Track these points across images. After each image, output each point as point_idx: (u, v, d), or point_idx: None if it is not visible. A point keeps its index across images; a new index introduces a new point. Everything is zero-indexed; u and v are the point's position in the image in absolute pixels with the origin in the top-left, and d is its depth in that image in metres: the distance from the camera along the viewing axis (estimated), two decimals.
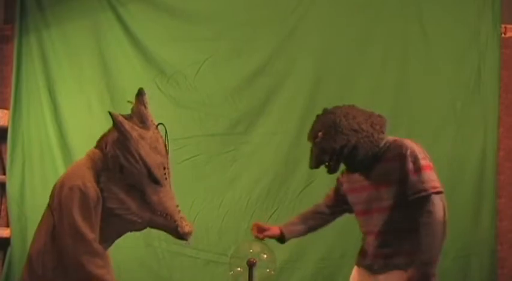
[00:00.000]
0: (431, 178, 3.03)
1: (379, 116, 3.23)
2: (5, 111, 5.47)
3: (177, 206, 2.89)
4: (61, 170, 5.34)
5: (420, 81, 5.22)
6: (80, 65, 5.51)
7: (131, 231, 2.87)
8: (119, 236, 2.86)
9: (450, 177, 5.16)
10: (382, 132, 3.17)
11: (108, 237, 2.80)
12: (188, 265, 5.21)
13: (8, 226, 5.44)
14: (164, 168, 2.78)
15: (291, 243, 4.91)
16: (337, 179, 3.49)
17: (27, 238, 5.35)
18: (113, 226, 2.74)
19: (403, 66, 5.24)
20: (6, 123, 5.45)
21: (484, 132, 5.16)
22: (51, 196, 2.79)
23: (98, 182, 2.69)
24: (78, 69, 5.51)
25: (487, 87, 5.17)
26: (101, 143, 2.82)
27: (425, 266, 2.99)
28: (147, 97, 2.87)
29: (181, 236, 2.87)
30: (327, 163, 3.18)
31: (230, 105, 5.34)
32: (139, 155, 2.67)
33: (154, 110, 5.28)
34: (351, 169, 3.25)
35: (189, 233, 2.89)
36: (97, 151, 2.80)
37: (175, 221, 2.83)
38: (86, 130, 5.39)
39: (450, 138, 5.17)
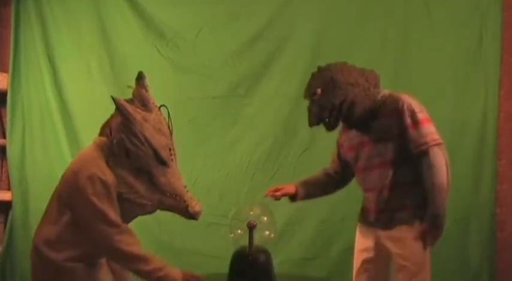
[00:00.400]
0: (430, 131, 3.05)
1: (372, 71, 3.23)
2: (4, 74, 5.46)
3: (185, 186, 2.88)
4: (61, 135, 5.35)
5: (421, 44, 5.19)
6: (79, 30, 5.48)
7: (142, 214, 2.86)
8: (130, 220, 2.86)
9: (451, 140, 5.14)
10: (377, 86, 3.17)
11: None
12: (189, 228, 5.23)
13: (9, 189, 5.46)
14: (170, 149, 2.77)
15: (291, 206, 4.95)
16: (337, 142, 3.48)
17: (28, 201, 5.38)
18: (123, 211, 2.73)
19: (404, 29, 5.20)
20: (5, 87, 5.43)
21: (485, 95, 5.15)
22: (62, 185, 2.76)
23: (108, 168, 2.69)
24: (77, 34, 5.48)
25: (489, 49, 5.13)
26: (105, 130, 2.82)
27: (436, 219, 3.05)
28: (147, 80, 2.85)
29: (192, 215, 2.87)
30: (326, 120, 3.18)
31: (230, 68, 5.31)
32: (145, 137, 2.66)
33: (154, 74, 5.33)
34: (349, 125, 3.25)
35: (199, 212, 2.88)
36: (103, 138, 2.79)
37: (185, 202, 2.82)
38: (86, 95, 5.39)
39: (451, 101, 5.16)
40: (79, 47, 5.44)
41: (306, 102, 5.20)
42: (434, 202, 3.03)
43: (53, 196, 2.81)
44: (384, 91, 3.18)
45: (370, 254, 3.35)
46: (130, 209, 2.74)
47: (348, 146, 3.34)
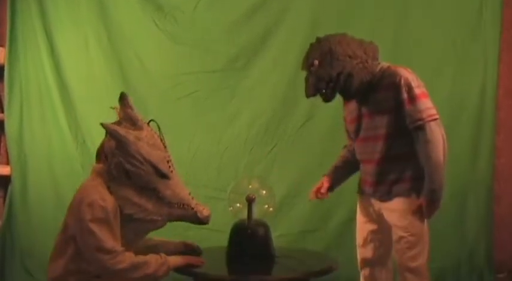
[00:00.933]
0: (427, 106, 3.05)
1: (371, 43, 3.22)
2: (1, 49, 5.42)
3: (189, 193, 2.90)
4: (59, 109, 5.34)
5: (421, 18, 5.17)
6: (76, 4, 5.42)
7: (154, 229, 2.89)
8: (143, 236, 2.91)
9: (450, 114, 5.16)
10: (376, 58, 3.17)
11: (131, 240, 2.83)
12: None
13: (8, 163, 5.46)
14: (168, 161, 2.80)
15: (289, 179, 4.98)
16: (344, 119, 3.47)
17: (27, 175, 5.38)
18: (135, 230, 2.78)
19: (404, 3, 5.18)
20: (2, 61, 5.41)
21: (484, 70, 5.15)
22: (66, 217, 2.78)
23: (110, 193, 2.70)
24: (75, 8, 5.42)
25: (488, 24, 5.12)
26: (100, 156, 2.81)
27: (433, 193, 3.07)
28: (131, 99, 2.87)
29: (202, 221, 2.90)
30: (323, 91, 3.17)
31: (228, 41, 5.29)
32: (142, 155, 2.68)
33: (152, 47, 5.32)
34: (346, 97, 3.25)
35: (208, 216, 2.91)
36: (100, 164, 2.79)
37: (193, 209, 2.85)
38: (84, 69, 5.37)
39: (450, 76, 5.16)
40: (76, 21, 5.40)
41: (304, 75, 5.23)
42: (430, 176, 3.04)
43: (60, 230, 2.82)
44: (383, 64, 3.18)
45: (374, 226, 3.39)
46: (141, 227, 2.79)
47: (350, 119, 3.36)
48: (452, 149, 5.10)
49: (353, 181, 3.54)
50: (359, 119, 3.25)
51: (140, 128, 2.78)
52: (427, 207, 3.10)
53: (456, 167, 5.15)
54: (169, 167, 2.79)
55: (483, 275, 5.17)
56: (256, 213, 3.24)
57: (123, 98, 2.87)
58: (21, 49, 5.39)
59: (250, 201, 3.20)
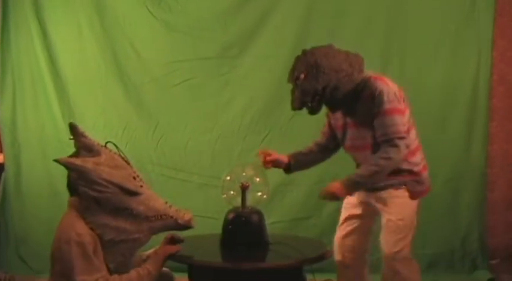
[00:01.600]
0: (395, 122, 3.06)
1: (356, 55, 3.21)
2: None
3: (166, 202, 2.91)
4: (52, 96, 5.32)
5: (415, 4, 5.16)
6: None
7: (140, 247, 2.89)
8: (133, 254, 2.91)
9: (443, 100, 5.18)
10: (362, 70, 3.16)
11: (122, 262, 2.84)
12: (181, 189, 5.26)
13: (1, 151, 5.45)
14: (134, 178, 2.79)
15: None
16: (326, 115, 3.50)
17: (20, 163, 5.37)
18: (121, 252, 2.79)
19: None
20: None
21: (477, 55, 5.15)
22: (50, 258, 2.79)
23: (86, 223, 2.71)
24: None
25: (482, 10, 5.11)
26: (70, 189, 2.81)
27: (352, 184, 3.13)
28: (80, 127, 2.82)
29: (185, 225, 2.91)
30: (309, 105, 3.18)
31: (222, 28, 5.27)
32: (104, 179, 2.67)
33: (146, 35, 5.29)
34: (332, 109, 3.27)
35: (190, 220, 2.91)
36: (74, 197, 2.80)
37: (171, 217, 2.86)
38: (77, 55, 5.34)
39: (444, 62, 5.16)
40: (69, 8, 5.35)
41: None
42: (366, 176, 3.11)
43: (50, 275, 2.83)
44: (367, 73, 3.18)
45: (357, 211, 3.47)
46: (126, 247, 2.79)
47: (335, 125, 3.41)
48: (445, 136, 5.17)
49: (347, 168, 3.53)
50: (344, 127, 3.29)
51: (98, 154, 2.76)
52: (336, 188, 3.14)
53: (449, 154, 5.18)
54: (137, 182, 2.79)
55: (476, 262, 5.20)
56: (250, 200, 3.24)
57: (72, 128, 2.82)
58: (13, 36, 5.35)
59: (244, 188, 3.21)
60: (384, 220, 3.31)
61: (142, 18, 5.29)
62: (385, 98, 3.07)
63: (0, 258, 5.30)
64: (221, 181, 3.39)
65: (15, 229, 5.34)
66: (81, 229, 2.68)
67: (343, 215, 3.54)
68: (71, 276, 2.64)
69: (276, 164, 3.53)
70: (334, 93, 3.12)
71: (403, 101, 3.20)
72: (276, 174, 4.82)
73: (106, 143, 2.85)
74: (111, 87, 5.33)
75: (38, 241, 5.15)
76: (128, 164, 2.84)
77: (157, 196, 2.90)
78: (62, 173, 2.92)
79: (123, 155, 2.85)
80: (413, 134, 3.30)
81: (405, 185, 3.25)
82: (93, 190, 2.67)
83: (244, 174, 3.28)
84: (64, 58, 5.33)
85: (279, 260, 3.03)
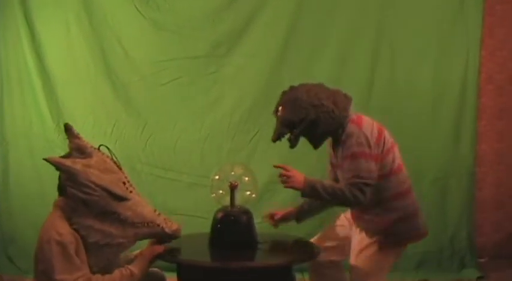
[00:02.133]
0: (360, 167, 3.00)
1: (345, 95, 3.19)
2: None
3: (155, 210, 2.89)
4: (40, 94, 5.29)
5: (405, 2, 5.18)
6: None
7: (124, 251, 2.89)
8: (116, 257, 2.90)
9: (432, 99, 5.20)
10: (346, 109, 3.11)
11: (107, 265, 2.83)
12: (171, 188, 5.25)
13: None
14: (124, 183, 2.78)
15: (271, 166, 4.96)
16: (329, 155, 3.46)
17: (8, 162, 5.34)
18: (104, 255, 2.78)
19: None
20: None
21: (466, 55, 5.18)
22: (36, 258, 2.77)
23: (71, 224, 2.69)
24: None
25: (471, 9, 5.14)
26: (60, 189, 2.79)
27: (310, 183, 3.06)
28: (75, 129, 2.84)
29: (172, 235, 2.89)
30: (288, 137, 3.18)
31: (211, 27, 5.26)
32: (93, 182, 2.66)
33: (134, 33, 5.27)
34: (313, 145, 3.25)
35: (178, 230, 2.91)
36: (61, 197, 2.79)
37: (159, 225, 2.84)
38: (65, 55, 5.31)
39: (433, 61, 5.19)
40: (57, 6, 5.32)
41: (288, 62, 5.22)
42: (329, 187, 3.05)
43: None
44: (351, 116, 3.13)
45: (343, 233, 3.43)
46: (111, 251, 2.79)
47: (329, 161, 3.38)
48: (434, 135, 5.19)
49: None
50: (335, 167, 3.27)
51: (89, 156, 2.75)
52: (298, 181, 3.10)
53: (438, 153, 5.20)
54: (127, 188, 2.77)
55: (465, 260, 5.22)
56: (239, 199, 3.23)
57: (67, 129, 2.83)
58: (1, 34, 5.32)
59: (233, 188, 3.20)
60: (351, 262, 3.27)
61: (131, 17, 5.27)
62: (353, 142, 3.03)
63: None
64: (210, 180, 3.38)
65: (3, 228, 5.31)
66: (62, 228, 2.66)
67: (328, 229, 3.53)
68: (51, 275, 2.63)
69: (284, 219, 3.55)
70: (313, 128, 3.12)
71: (381, 145, 3.11)
72: (265, 173, 4.84)
73: (99, 146, 2.84)
74: (100, 86, 5.31)
75: (26, 241, 5.12)
76: (120, 169, 2.82)
77: (146, 203, 2.88)
78: (50, 172, 2.90)
79: (115, 159, 2.84)
80: (403, 175, 3.25)
81: (381, 237, 3.19)
82: (82, 192, 2.66)
83: (233, 173, 3.27)
84: (52, 57, 5.30)
85: (268, 260, 3.03)
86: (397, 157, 3.19)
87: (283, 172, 3.14)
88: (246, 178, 3.28)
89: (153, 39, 5.30)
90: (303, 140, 3.25)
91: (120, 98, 5.32)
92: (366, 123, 3.12)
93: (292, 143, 3.21)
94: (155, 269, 3.04)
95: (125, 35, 5.29)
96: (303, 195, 3.13)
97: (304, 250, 3.19)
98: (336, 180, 3.27)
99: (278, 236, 3.47)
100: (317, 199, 3.19)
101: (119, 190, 2.72)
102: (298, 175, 3.12)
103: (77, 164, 2.67)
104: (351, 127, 3.08)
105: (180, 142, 5.28)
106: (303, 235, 4.83)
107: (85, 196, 2.66)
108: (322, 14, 5.22)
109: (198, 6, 5.27)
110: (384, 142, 3.12)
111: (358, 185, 2.98)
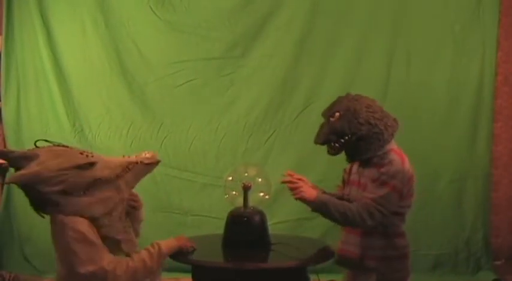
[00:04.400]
0: (382, 194, 2.95)
1: (395, 120, 3.14)
2: None
3: (123, 156, 2.88)
4: (56, 96, 5.33)
5: (420, 3, 5.17)
6: None
7: (124, 204, 2.84)
8: (126, 218, 2.87)
9: (448, 101, 5.18)
10: (392, 135, 3.10)
11: (123, 230, 2.82)
12: (185, 188, 5.27)
13: None
14: (81, 153, 2.71)
15: (288, 166, 4.96)
16: (344, 170, 3.41)
17: None
18: (116, 219, 2.76)
19: None
20: None
21: (482, 56, 5.15)
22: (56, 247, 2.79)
23: (74, 215, 2.68)
24: None
25: (487, 10, 5.11)
26: (37, 207, 2.74)
27: (322, 198, 3.02)
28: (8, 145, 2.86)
29: (152, 162, 2.87)
30: (331, 144, 3.15)
31: (226, 28, 5.27)
32: (57, 170, 2.60)
33: (150, 35, 5.29)
34: (350, 158, 3.19)
35: (154, 155, 2.89)
36: (49, 214, 2.76)
37: (136, 162, 2.82)
38: (80, 54, 5.35)
39: (448, 62, 5.16)
40: (73, 7, 5.37)
41: (303, 63, 5.21)
42: (340, 206, 2.99)
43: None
44: (392, 145, 3.12)
45: None
46: (118, 212, 2.76)
47: (347, 179, 3.29)
48: (450, 136, 5.17)
49: None
50: (353, 184, 3.18)
51: (36, 156, 2.66)
52: (310, 194, 3.04)
53: (454, 154, 5.17)
54: (87, 155, 2.71)
55: (480, 262, 5.19)
56: (252, 201, 3.24)
57: (1, 154, 2.82)
58: (17, 36, 5.36)
59: (246, 189, 3.20)
60: None
61: (146, 18, 5.30)
62: (390, 171, 2.99)
63: (4, 258, 5.32)
64: (223, 181, 3.38)
65: (19, 228, 5.35)
66: (73, 221, 2.64)
67: None
68: (75, 269, 2.61)
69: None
70: (358, 144, 3.07)
71: (409, 186, 3.06)
72: (280, 174, 4.83)
73: (35, 142, 2.76)
74: (116, 87, 5.34)
75: (42, 240, 5.14)
76: (67, 146, 2.76)
77: (113, 157, 2.88)
78: None
79: (58, 143, 2.77)
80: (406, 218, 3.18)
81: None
82: (54, 185, 2.60)
83: (246, 174, 3.27)
84: (68, 58, 5.34)
85: (281, 261, 3.02)
86: (410, 206, 3.12)
87: (290, 184, 3.10)
88: (259, 179, 3.28)
89: (169, 41, 5.32)
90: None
91: (135, 99, 5.34)
92: (407, 161, 3.07)
93: (335, 152, 3.14)
94: None
95: (140, 36, 5.32)
96: (312, 209, 3.08)
97: (318, 252, 3.18)
98: (343, 198, 3.20)
99: (292, 237, 3.46)
100: (325, 217, 3.08)
101: (81, 160, 2.67)
102: (309, 188, 3.09)
103: (32, 168, 2.61)
104: (393, 156, 3.04)
105: (196, 143, 5.30)
106: (319, 236, 4.86)
107: (60, 186, 2.61)
108: (337, 14, 5.22)
109: (214, 8, 5.29)
110: (411, 187, 3.07)
111: (371, 208, 2.95)
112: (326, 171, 4.85)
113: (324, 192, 3.25)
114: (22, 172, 2.60)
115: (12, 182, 2.63)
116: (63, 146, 2.74)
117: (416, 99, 5.20)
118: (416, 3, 5.17)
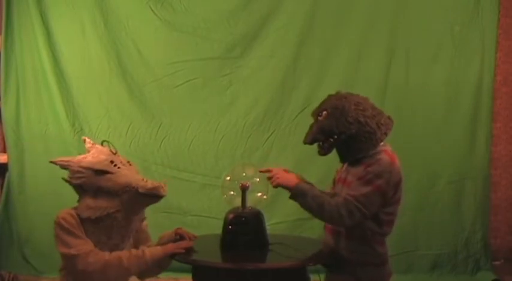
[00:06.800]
0: (365, 193, 2.86)
1: (389, 117, 3.05)
2: None
3: (143, 179, 2.98)
4: (56, 96, 5.33)
5: (418, 4, 5.17)
6: None
7: (118, 227, 2.96)
8: (117, 237, 3.00)
9: (447, 101, 5.18)
10: (385, 134, 3.00)
11: (105, 242, 2.96)
12: (185, 189, 5.27)
13: (5, 151, 5.45)
14: (112, 161, 2.97)
15: (286, 166, 4.95)
16: (336, 170, 3.36)
17: (24, 163, 5.38)
18: (103, 231, 2.94)
19: None
20: None
21: (481, 56, 5.16)
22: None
23: (75, 208, 2.96)
24: None
25: (486, 11, 5.12)
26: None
27: (301, 185, 2.97)
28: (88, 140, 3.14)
29: (149, 193, 2.92)
30: (320, 143, 3.09)
31: (226, 28, 5.28)
32: (82, 167, 2.94)
33: (149, 34, 5.29)
34: (342, 158, 3.11)
35: (154, 188, 2.92)
36: None
37: (134, 187, 2.91)
38: (80, 55, 5.35)
39: (448, 63, 5.17)
40: (73, 7, 5.36)
41: (302, 64, 5.22)
42: (319, 197, 2.93)
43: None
44: (385, 146, 3.05)
45: None
46: (105, 225, 2.93)
47: (337, 177, 3.24)
48: (449, 137, 5.17)
49: None
50: (340, 181, 3.13)
51: (89, 152, 3.06)
52: (290, 180, 3.00)
53: (453, 155, 5.18)
54: (115, 165, 2.96)
55: (479, 263, 5.20)
56: (250, 201, 3.23)
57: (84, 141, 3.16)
58: (17, 35, 5.36)
59: (244, 189, 3.20)
60: None
61: (145, 18, 5.30)
62: (377, 171, 2.90)
63: (4, 258, 5.31)
64: (221, 181, 3.38)
65: (18, 229, 5.35)
66: (64, 212, 2.92)
67: None
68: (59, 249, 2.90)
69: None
70: (349, 143, 2.99)
71: (395, 190, 2.94)
72: None
73: (102, 142, 3.08)
74: (115, 87, 5.34)
75: (41, 241, 5.16)
76: (114, 153, 3.03)
77: (133, 174, 2.99)
78: (65, 173, 2.97)
79: (111, 147, 3.06)
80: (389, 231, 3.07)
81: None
82: (75, 178, 2.93)
83: (244, 174, 3.26)
84: (68, 58, 5.34)
85: (279, 261, 3.02)
86: (395, 213, 3.03)
87: (269, 173, 3.05)
88: (257, 179, 3.27)
89: (168, 41, 5.33)
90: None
91: (135, 99, 5.35)
92: (397, 164, 2.98)
93: (324, 151, 3.07)
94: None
95: (139, 36, 5.33)
96: (291, 196, 3.01)
97: (317, 252, 3.18)
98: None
99: (291, 237, 3.46)
100: (302, 206, 3.00)
101: (100, 166, 2.92)
102: (288, 174, 3.04)
103: (72, 159, 2.99)
104: (383, 156, 2.95)
105: (195, 143, 5.31)
106: (318, 236, 4.85)
107: (78, 181, 2.93)
108: (336, 16, 5.22)
109: (213, 8, 5.30)
110: (397, 191, 2.97)
111: (351, 206, 2.86)
112: (325, 172, 4.82)
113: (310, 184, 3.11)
114: (64, 158, 3.02)
115: (56, 164, 3.00)
116: (113, 152, 3.05)
117: (415, 99, 5.20)
118: (415, 4, 5.18)
